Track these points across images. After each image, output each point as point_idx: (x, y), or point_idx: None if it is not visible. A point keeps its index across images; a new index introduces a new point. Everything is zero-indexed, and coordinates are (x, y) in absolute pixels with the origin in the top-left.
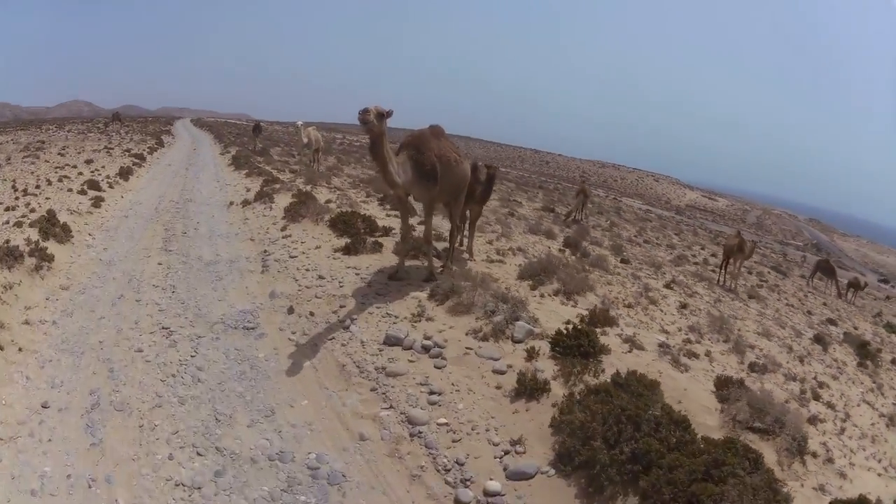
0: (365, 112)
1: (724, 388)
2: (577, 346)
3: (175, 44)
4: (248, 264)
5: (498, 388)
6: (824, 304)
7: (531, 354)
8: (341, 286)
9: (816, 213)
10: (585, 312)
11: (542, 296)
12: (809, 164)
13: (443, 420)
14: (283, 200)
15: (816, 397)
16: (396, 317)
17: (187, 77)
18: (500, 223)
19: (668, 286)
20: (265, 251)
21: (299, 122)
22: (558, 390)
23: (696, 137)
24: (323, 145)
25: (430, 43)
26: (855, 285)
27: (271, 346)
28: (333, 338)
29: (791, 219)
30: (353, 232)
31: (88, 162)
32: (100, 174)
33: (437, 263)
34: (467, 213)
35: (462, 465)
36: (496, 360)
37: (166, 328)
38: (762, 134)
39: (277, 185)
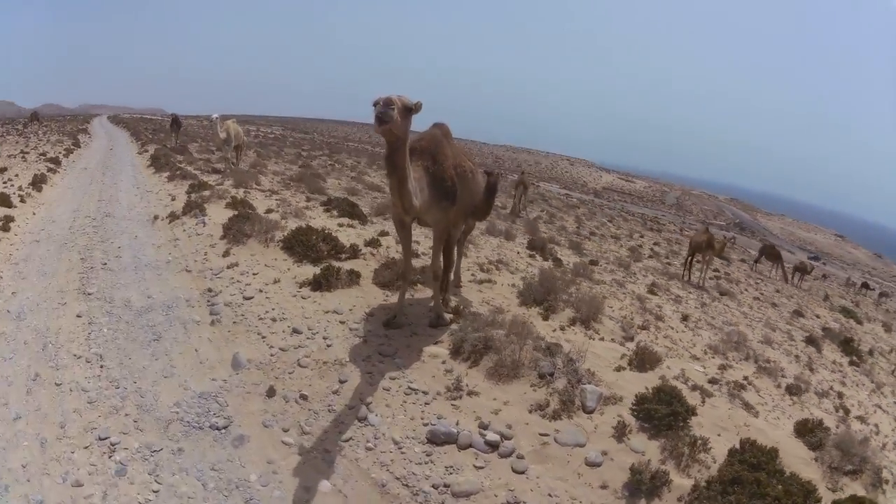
0: (388, 104)
1: (810, 433)
2: (671, 415)
3: (93, 41)
4: (190, 311)
5: (604, 487)
6: (777, 290)
7: (620, 432)
8: (329, 345)
9: (737, 192)
10: (627, 350)
11: (561, 328)
12: (727, 146)
13: None
14: (217, 212)
15: (847, 411)
16: (426, 392)
17: (105, 74)
18: None
19: (651, 292)
20: (209, 289)
21: (214, 116)
22: (679, 480)
23: (608, 122)
24: (245, 140)
25: (338, 24)
26: (802, 269)
27: (262, 457)
28: (351, 438)
29: (711, 199)
30: (316, 255)
31: (2, 171)
32: (12, 184)
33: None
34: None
35: None
36: (582, 446)
37: (104, 438)
38: (677, 116)
39: (207, 192)
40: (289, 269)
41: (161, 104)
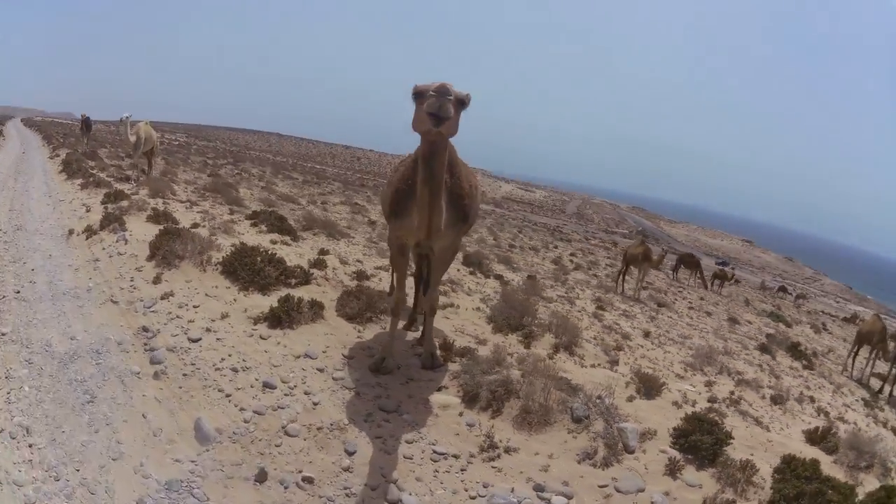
0: (445, 93)
1: (823, 439)
2: (716, 443)
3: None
4: (126, 359)
5: None
6: (701, 298)
7: (672, 469)
8: (316, 403)
9: (640, 201)
10: (622, 376)
11: (549, 357)
12: (624, 154)
13: None
14: (138, 227)
15: (827, 414)
16: (456, 456)
17: (16, 75)
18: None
19: (600, 308)
20: (144, 328)
21: (124, 115)
22: None
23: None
24: (157, 145)
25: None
26: (722, 276)
27: None
28: None
29: (612, 207)
30: (264, 282)
31: None
32: None
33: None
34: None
35: None
36: (643, 490)
37: None
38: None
39: (124, 203)
40: (235, 300)
41: (73, 108)
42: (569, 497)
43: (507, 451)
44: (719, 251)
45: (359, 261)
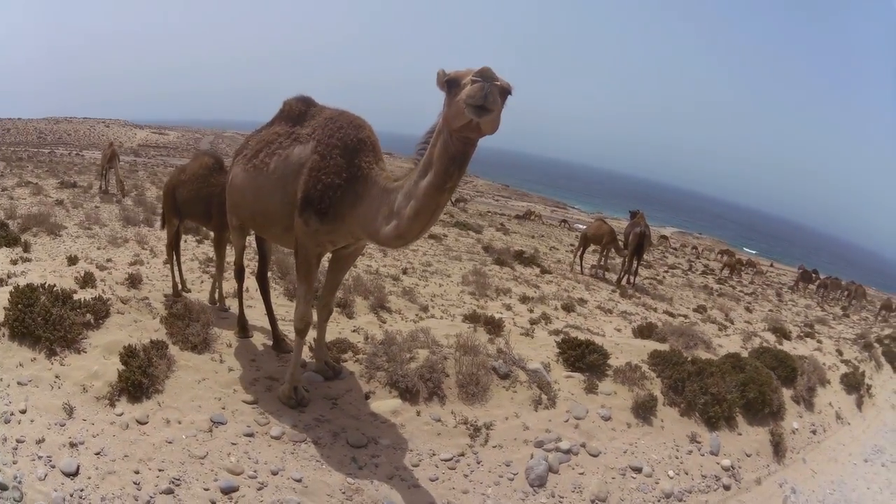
0: (491, 79)
1: (651, 333)
2: (604, 359)
3: None
4: None
5: None
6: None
7: (589, 388)
8: (299, 480)
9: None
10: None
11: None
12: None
13: None
14: None
15: (610, 311)
16: (462, 454)
17: None
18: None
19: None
20: None
21: None
22: None
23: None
24: None
25: None
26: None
27: None
28: None
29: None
30: (71, 334)
31: None
32: None
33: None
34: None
35: None
36: (587, 412)
37: None
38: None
39: None
40: (58, 378)
41: None
42: (560, 439)
43: (487, 427)
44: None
45: (109, 260)
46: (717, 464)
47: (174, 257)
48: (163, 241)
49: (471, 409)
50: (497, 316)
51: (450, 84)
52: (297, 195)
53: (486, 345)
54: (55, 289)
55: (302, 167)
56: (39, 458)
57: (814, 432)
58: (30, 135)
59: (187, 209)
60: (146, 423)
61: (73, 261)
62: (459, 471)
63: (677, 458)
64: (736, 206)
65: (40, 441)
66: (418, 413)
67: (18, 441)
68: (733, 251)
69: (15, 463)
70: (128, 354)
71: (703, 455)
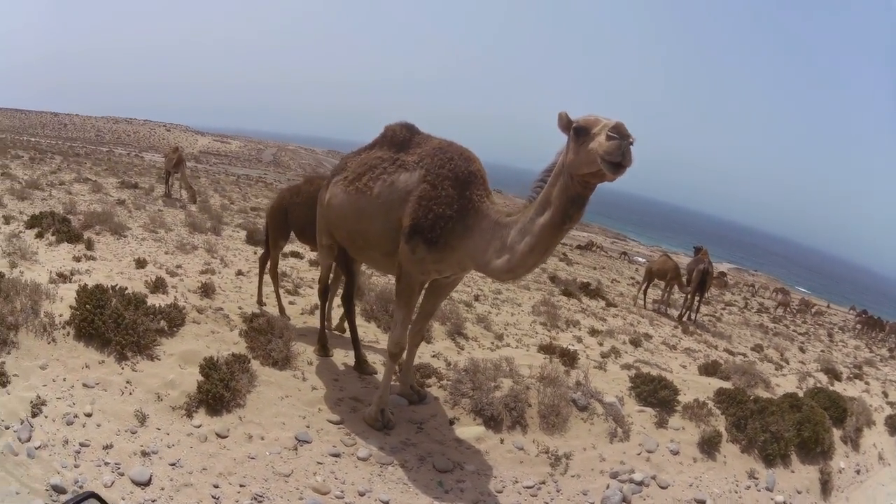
0: (627, 136)
1: (715, 371)
2: (674, 395)
3: None
4: None
5: None
6: None
7: (660, 422)
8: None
9: (334, 144)
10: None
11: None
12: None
13: None
14: None
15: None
16: (543, 482)
17: None
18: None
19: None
20: (55, 487)
21: None
22: None
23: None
24: None
25: None
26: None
27: None
28: None
29: (309, 153)
30: (143, 339)
31: None
32: None
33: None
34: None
35: None
36: (657, 445)
37: None
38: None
39: None
40: (129, 384)
41: None
42: (633, 471)
43: (567, 456)
44: None
45: (179, 267)
46: (772, 500)
47: (276, 279)
48: (231, 251)
49: (551, 438)
50: (571, 348)
51: (577, 132)
52: (401, 221)
53: (562, 376)
54: (126, 292)
55: (408, 194)
56: (106, 464)
57: (858, 472)
58: (87, 132)
59: (301, 231)
60: (226, 436)
61: (141, 264)
62: (540, 498)
63: (736, 492)
64: (786, 241)
65: (108, 447)
66: (502, 441)
67: (82, 445)
68: (788, 289)
69: (77, 467)
70: (209, 366)
71: (759, 490)
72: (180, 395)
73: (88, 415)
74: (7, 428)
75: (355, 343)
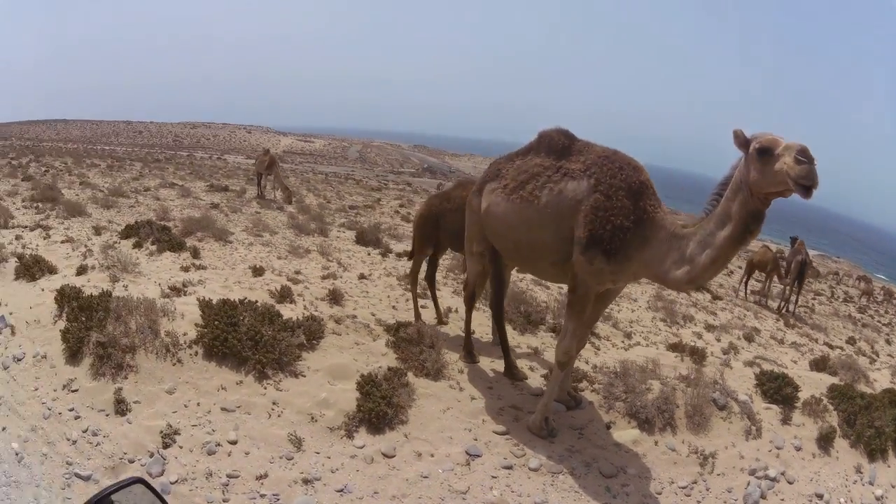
0: (813, 160)
1: (825, 366)
2: (794, 392)
3: None
4: None
5: None
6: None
7: (784, 419)
8: None
9: (420, 139)
10: (663, 351)
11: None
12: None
13: None
14: (12, 295)
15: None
16: (694, 482)
17: None
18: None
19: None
20: None
21: None
22: None
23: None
24: None
25: None
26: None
27: None
28: None
29: (395, 149)
30: (285, 357)
31: None
32: None
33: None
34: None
35: None
36: (783, 441)
37: None
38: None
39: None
40: (276, 405)
41: None
42: (767, 467)
43: (712, 455)
44: None
45: (298, 272)
46: (872, 493)
47: (432, 287)
48: (344, 253)
49: (697, 438)
50: (699, 346)
51: (760, 152)
52: (573, 231)
53: (703, 376)
54: (257, 305)
55: (579, 204)
56: (262, 495)
57: None
58: (164, 137)
59: (454, 238)
60: (393, 456)
61: (258, 272)
62: (693, 497)
63: (846, 486)
64: (864, 225)
65: (262, 477)
66: (656, 443)
67: (230, 476)
68: (870, 277)
69: (226, 501)
70: (367, 382)
71: (863, 485)
72: (337, 415)
73: (233, 442)
74: (131, 462)
75: (505, 349)
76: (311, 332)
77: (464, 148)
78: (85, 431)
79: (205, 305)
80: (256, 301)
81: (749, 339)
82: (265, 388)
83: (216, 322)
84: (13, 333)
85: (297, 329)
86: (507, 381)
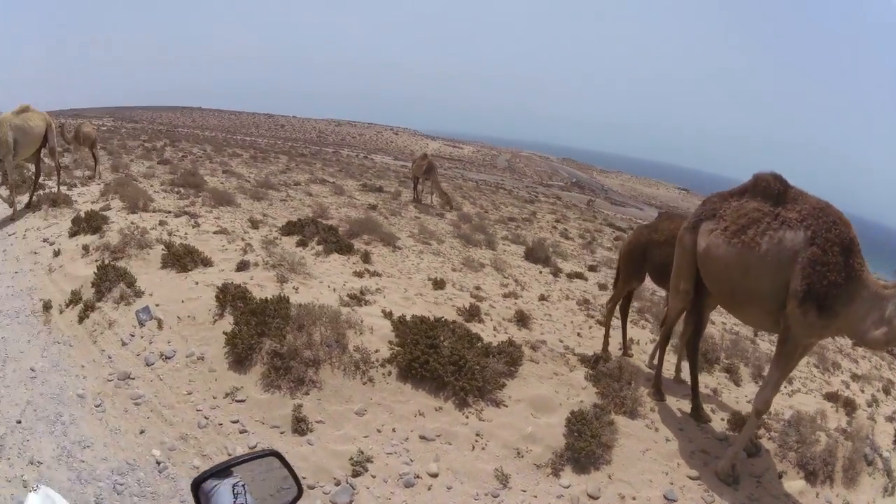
0: None
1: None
2: None
3: None
4: None
5: None
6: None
7: None
8: None
9: (568, 152)
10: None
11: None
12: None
13: None
14: (160, 286)
15: None
16: None
17: None
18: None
19: None
20: None
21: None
22: None
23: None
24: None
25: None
26: None
27: None
28: None
29: (543, 160)
30: (488, 385)
31: None
32: None
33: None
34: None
35: None
36: None
37: None
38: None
39: (110, 234)
40: (478, 438)
41: None
42: None
43: None
44: (655, 199)
45: (479, 288)
46: None
47: (624, 317)
48: (517, 269)
49: (847, 492)
50: (852, 397)
51: None
52: (789, 282)
53: (862, 431)
54: (454, 325)
55: (796, 254)
56: None
57: None
58: (308, 133)
59: (660, 272)
60: (598, 497)
61: (439, 284)
62: None
63: None
64: None
65: None
66: (817, 495)
67: None
68: None
69: None
70: (577, 420)
71: None
72: (544, 451)
73: (433, 475)
74: (311, 488)
75: (695, 390)
76: (513, 359)
77: (612, 164)
78: (252, 448)
79: (399, 324)
80: (453, 321)
81: (886, 391)
82: (467, 418)
83: (416, 341)
84: (160, 327)
85: (499, 355)
86: (694, 422)
